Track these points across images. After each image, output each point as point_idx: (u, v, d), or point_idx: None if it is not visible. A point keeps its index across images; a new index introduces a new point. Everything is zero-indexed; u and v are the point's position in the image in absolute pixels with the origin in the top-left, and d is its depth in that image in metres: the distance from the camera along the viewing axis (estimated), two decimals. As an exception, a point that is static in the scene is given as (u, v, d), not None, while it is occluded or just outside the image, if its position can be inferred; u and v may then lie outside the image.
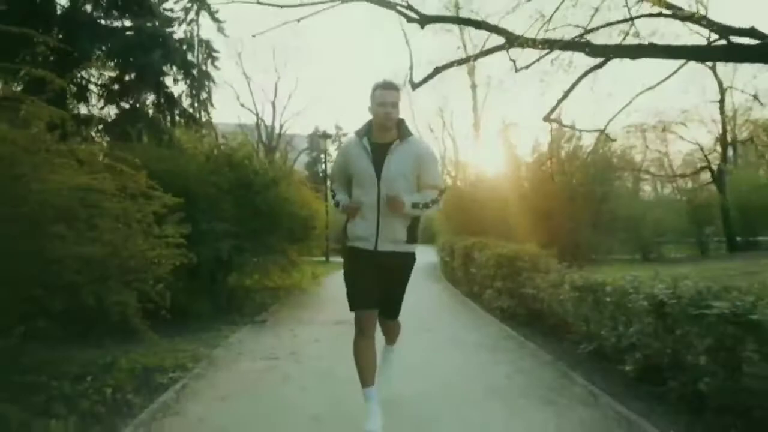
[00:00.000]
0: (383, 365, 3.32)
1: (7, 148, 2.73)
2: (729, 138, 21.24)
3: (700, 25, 7.34)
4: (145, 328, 3.74)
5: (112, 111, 12.02)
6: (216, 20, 31.56)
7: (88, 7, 11.13)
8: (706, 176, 21.78)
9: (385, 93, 2.96)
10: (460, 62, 9.55)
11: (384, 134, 3.02)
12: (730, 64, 16.57)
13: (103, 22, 11.66)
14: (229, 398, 3.64)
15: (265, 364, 4.58)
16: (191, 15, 30.99)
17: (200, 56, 30.32)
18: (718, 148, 20.99)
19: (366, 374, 2.96)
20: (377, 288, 3.02)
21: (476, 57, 9.74)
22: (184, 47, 13.06)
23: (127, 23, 12.66)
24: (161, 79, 12.60)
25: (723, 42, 6.76)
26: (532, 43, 7.73)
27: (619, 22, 7.76)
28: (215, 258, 6.40)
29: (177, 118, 13.09)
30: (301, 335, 5.93)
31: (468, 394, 3.64)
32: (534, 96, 18.97)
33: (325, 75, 67.82)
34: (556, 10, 7.87)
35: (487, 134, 24.49)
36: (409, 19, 8.28)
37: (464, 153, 28.14)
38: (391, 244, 3.01)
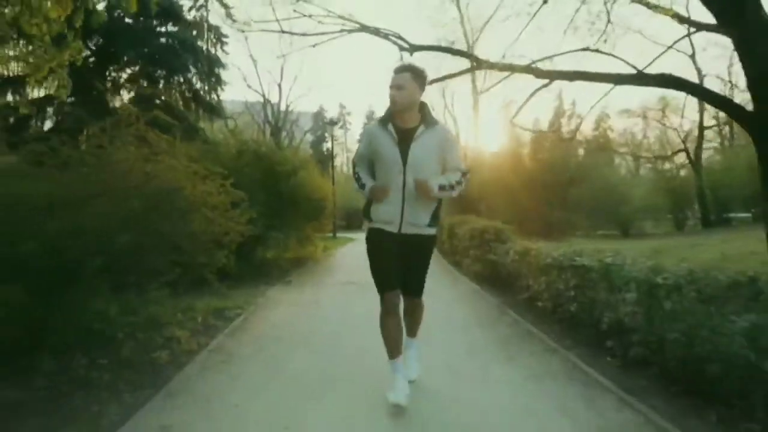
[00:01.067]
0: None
1: (175, 174, 4.65)
2: (705, 123, 22.80)
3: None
4: (217, 283, 5.60)
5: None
6: (225, 6, 32.85)
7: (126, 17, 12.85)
8: (685, 158, 23.45)
9: (393, 76, 3.06)
10: (436, 80, 11.27)
11: (405, 119, 3.09)
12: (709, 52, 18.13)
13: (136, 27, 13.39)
14: (274, 325, 5.53)
15: (296, 308, 6.49)
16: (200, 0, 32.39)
17: (209, 41, 31.83)
18: (695, 133, 22.59)
19: (393, 347, 3.12)
20: (400, 269, 3.17)
21: (449, 77, 11.50)
22: (194, 32, 14.49)
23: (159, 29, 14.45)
24: (189, 77, 14.42)
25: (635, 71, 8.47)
26: (494, 66, 9.52)
27: (555, 55, 9.63)
28: (253, 234, 8.25)
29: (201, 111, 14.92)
30: (319, 291, 7.85)
31: (438, 327, 5.41)
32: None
33: (330, 56, 69.18)
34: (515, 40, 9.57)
35: (485, 117, 26.02)
36: (401, 48, 9.97)
37: (465, 134, 29.68)
38: (414, 227, 3.14)
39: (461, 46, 17.72)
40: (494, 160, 15.01)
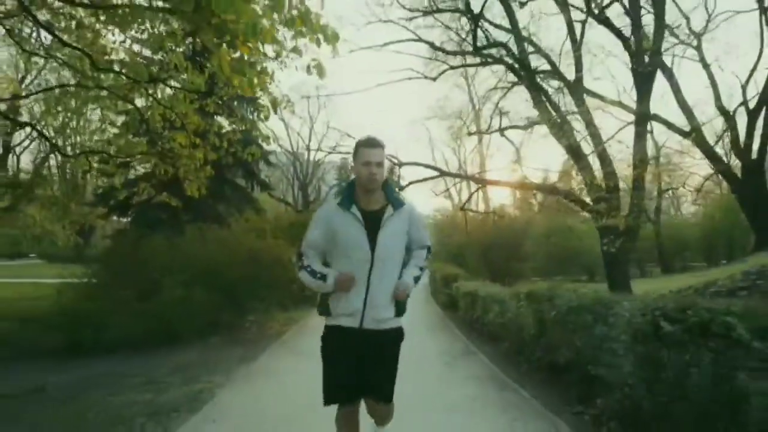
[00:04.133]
0: None
1: (260, 243, 9.32)
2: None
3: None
4: (291, 306, 10.13)
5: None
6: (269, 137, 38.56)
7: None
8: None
9: (369, 151, 2.60)
10: (429, 178, 15.76)
11: (370, 199, 2.64)
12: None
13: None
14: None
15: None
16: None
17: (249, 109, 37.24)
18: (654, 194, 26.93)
19: None
20: (359, 376, 2.62)
21: (411, 183, 16.03)
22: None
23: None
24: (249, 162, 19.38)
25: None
26: (449, 174, 14.21)
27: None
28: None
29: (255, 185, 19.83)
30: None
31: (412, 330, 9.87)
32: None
33: (354, 109, 75.34)
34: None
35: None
36: (393, 163, 14.46)
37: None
38: (376, 322, 2.63)
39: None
40: (468, 225, 19.53)
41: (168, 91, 9.54)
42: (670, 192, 29.50)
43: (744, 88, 20.57)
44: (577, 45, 12.29)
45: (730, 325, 2.68)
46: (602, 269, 25.93)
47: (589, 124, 12.42)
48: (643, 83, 12.54)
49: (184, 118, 8.96)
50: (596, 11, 12.15)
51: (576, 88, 12.48)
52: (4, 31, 10.12)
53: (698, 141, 19.71)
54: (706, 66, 21.30)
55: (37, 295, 10.93)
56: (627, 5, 12.44)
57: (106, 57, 8.86)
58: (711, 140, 20.89)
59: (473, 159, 36.46)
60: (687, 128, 19.07)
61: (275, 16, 4.49)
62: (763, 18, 19.28)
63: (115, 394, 4.88)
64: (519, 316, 6.20)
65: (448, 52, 13.77)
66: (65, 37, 8.37)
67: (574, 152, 12.57)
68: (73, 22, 8.17)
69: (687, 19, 22.01)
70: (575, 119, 13.15)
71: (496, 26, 13.07)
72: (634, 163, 12.37)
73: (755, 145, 19.52)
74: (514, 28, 12.27)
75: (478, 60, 13.65)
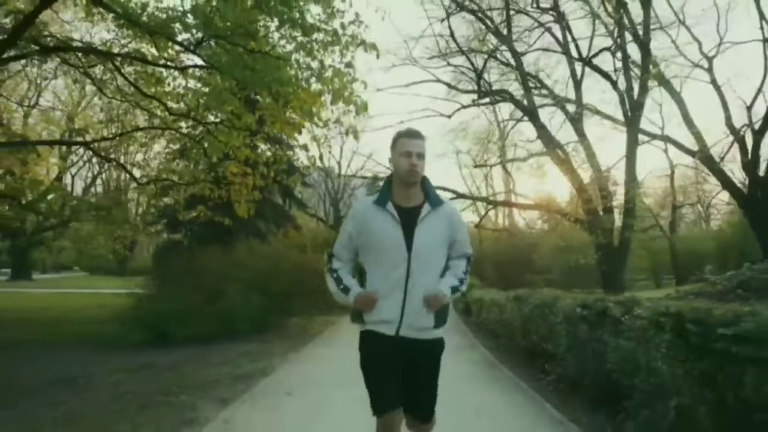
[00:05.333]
0: None
1: (301, 257, 11.11)
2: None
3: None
4: (327, 311, 11.87)
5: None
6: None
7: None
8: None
9: (410, 141, 2.44)
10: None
11: (408, 195, 2.46)
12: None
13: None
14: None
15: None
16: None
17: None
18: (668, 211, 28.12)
19: None
20: (401, 382, 2.46)
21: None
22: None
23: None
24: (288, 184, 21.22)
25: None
26: (470, 197, 15.81)
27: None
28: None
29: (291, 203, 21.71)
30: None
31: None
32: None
33: (383, 126, 77.14)
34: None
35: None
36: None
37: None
38: (416, 331, 2.45)
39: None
40: (484, 241, 21.09)
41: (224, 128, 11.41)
42: (699, 206, 30.53)
43: (749, 109, 21.73)
44: (577, 85, 13.90)
45: (611, 309, 4.29)
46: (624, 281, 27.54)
47: (590, 156, 13.97)
48: (631, 124, 14.04)
49: (237, 150, 10.78)
50: (587, 59, 13.75)
51: (577, 123, 14.05)
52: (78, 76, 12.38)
53: (704, 159, 20.96)
54: (717, 87, 22.54)
55: (105, 303, 12.89)
56: (620, 51, 14.00)
57: (177, 105, 10.88)
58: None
59: (499, 177, 38.02)
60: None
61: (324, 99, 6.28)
62: (765, 47, 20.50)
63: (202, 369, 6.65)
64: (510, 314, 7.81)
65: (462, 91, 15.50)
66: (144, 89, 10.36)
67: (576, 180, 14.15)
68: (153, 79, 10.14)
69: (699, 43, 23.40)
70: (576, 149, 14.75)
71: (505, 64, 14.73)
72: (625, 189, 13.82)
73: (763, 164, 20.66)
74: (519, 67, 13.90)
75: (487, 99, 15.34)
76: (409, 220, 2.43)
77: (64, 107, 22.44)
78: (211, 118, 10.98)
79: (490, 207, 15.01)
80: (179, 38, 8.07)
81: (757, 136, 20.49)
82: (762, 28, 20.94)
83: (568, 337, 5.06)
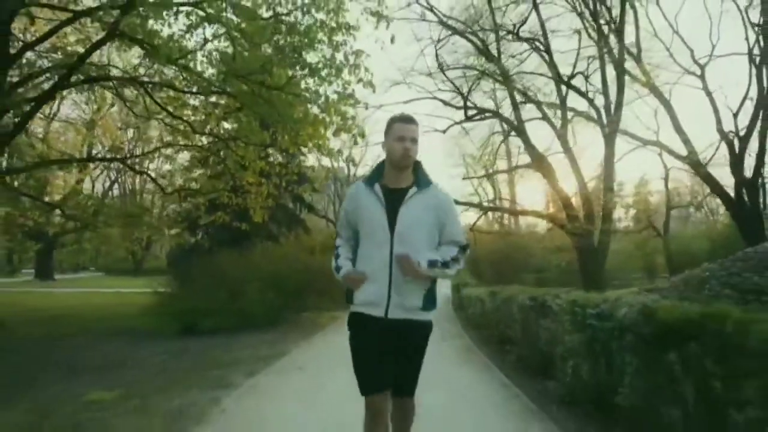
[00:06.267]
0: None
1: (311, 258, 12.48)
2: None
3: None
4: (334, 307, 13.23)
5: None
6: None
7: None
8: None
9: (403, 126, 2.54)
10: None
11: (398, 178, 2.56)
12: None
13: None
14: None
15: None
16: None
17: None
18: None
19: None
20: (389, 363, 2.53)
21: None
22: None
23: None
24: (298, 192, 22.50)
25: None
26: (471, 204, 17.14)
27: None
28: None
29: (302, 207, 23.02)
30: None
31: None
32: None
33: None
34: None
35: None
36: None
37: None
38: (404, 311, 2.51)
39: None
40: (480, 243, 22.34)
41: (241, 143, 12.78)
42: (693, 208, 31.72)
43: (735, 117, 22.83)
44: (562, 101, 15.23)
45: (546, 301, 5.59)
46: (610, 281, 28.62)
47: (574, 168, 15.30)
48: (608, 139, 15.32)
49: (252, 163, 12.15)
50: (565, 78, 15.08)
51: (562, 138, 15.35)
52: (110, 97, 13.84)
53: (693, 164, 22.14)
54: (709, 94, 23.65)
55: (131, 301, 14.31)
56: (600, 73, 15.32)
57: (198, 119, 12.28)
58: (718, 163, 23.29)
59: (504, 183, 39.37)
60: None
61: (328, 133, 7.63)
62: (749, 59, 21.63)
63: (229, 353, 8.01)
64: (488, 308, 9.14)
65: (456, 107, 16.81)
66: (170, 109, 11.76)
67: (558, 190, 15.54)
68: (179, 102, 11.54)
69: (691, 50, 24.59)
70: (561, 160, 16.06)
71: (495, 80, 16.01)
72: (604, 196, 15.09)
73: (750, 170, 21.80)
74: (506, 81, 15.17)
75: (477, 115, 16.74)
76: (395, 201, 2.50)
77: (82, 121, 23.91)
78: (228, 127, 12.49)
79: (481, 213, 16.27)
80: (206, 74, 9.50)
81: (743, 142, 21.65)
82: (747, 38, 22.17)
83: (521, 323, 6.37)
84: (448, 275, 2.61)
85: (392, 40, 7.58)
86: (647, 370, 3.27)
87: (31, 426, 4.15)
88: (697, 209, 25.94)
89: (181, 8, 8.30)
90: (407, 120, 2.58)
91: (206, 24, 8.68)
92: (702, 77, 23.92)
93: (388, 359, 2.53)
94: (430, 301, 2.58)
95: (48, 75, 10.09)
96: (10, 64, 9.43)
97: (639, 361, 3.38)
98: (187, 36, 9.02)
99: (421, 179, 2.58)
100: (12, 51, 9.41)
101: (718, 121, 23.41)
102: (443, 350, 8.02)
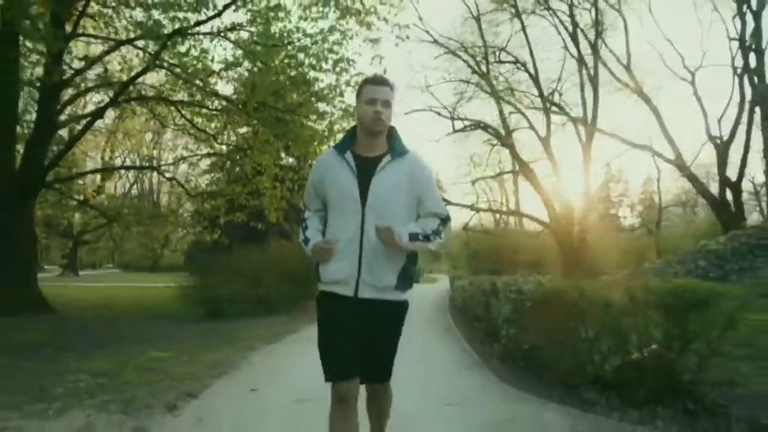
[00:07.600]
0: None
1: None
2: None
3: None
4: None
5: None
6: None
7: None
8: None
9: (374, 89, 2.30)
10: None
11: (371, 145, 2.33)
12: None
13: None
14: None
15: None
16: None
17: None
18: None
19: None
20: (359, 347, 2.30)
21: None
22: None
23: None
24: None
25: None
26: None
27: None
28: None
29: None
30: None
31: (420, 310, 14.48)
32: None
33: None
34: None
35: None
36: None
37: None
38: (376, 290, 2.29)
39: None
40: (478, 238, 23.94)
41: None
42: (682, 206, 33.29)
43: (719, 122, 24.21)
44: (546, 112, 16.87)
45: (497, 287, 7.20)
46: (599, 274, 30.21)
47: (556, 174, 16.99)
48: (585, 151, 16.97)
49: (268, 169, 13.85)
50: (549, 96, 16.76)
51: (547, 146, 16.98)
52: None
53: (679, 166, 23.61)
54: (698, 99, 25.04)
55: (157, 293, 16.02)
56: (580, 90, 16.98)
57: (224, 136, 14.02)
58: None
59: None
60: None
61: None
62: (732, 69, 23.02)
63: (251, 331, 9.67)
64: (469, 294, 10.78)
65: (449, 118, 18.45)
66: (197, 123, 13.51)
67: (542, 193, 17.24)
68: (205, 117, 13.28)
69: (682, 57, 26.06)
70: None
71: (485, 91, 17.61)
72: (586, 198, 16.70)
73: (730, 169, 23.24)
74: (494, 93, 16.77)
75: (465, 127, 18.45)
76: (367, 171, 2.27)
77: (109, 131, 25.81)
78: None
79: (473, 213, 17.90)
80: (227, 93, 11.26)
81: (725, 146, 23.07)
82: (731, 48, 23.56)
83: (484, 304, 8.01)
84: (430, 249, 2.38)
85: (384, 72, 9.23)
86: (536, 326, 4.91)
87: (119, 367, 5.85)
88: (684, 207, 27.33)
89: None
90: (379, 81, 2.34)
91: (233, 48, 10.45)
92: (692, 83, 25.41)
93: (357, 343, 2.29)
94: (404, 280, 2.33)
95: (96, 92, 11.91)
96: (62, 87, 11.23)
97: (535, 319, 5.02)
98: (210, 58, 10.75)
99: (396, 147, 2.35)
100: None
101: (707, 126, 24.88)
102: (428, 330, 9.65)
